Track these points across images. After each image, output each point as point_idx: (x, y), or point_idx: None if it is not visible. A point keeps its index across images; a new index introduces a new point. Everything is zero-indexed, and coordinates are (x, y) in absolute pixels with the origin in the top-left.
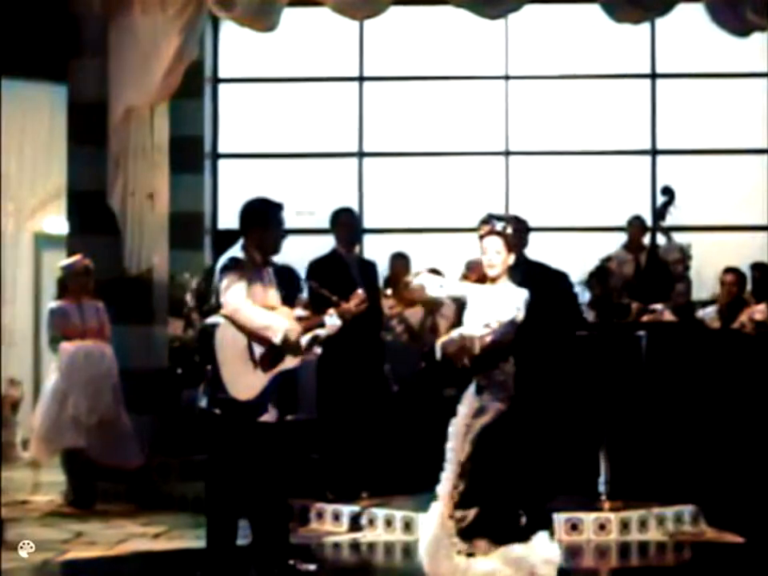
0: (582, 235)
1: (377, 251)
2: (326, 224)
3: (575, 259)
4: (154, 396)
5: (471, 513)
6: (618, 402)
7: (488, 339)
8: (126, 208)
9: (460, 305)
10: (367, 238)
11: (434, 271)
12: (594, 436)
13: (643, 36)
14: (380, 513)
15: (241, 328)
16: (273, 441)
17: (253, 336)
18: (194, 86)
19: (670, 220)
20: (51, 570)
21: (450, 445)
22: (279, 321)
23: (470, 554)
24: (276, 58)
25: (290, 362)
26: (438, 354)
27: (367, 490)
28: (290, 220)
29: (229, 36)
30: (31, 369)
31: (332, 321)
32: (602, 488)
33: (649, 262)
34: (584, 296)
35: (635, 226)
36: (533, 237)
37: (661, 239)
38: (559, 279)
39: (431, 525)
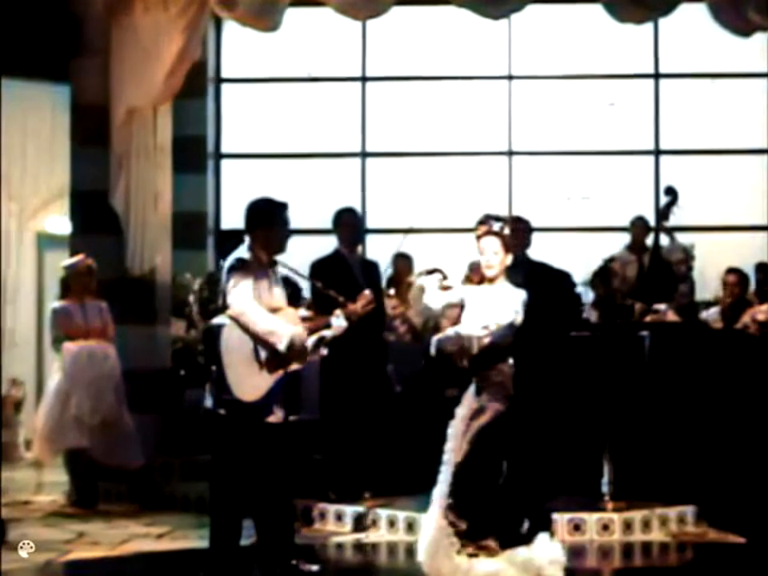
0: (585, 235)
1: (380, 251)
2: (328, 224)
3: (578, 259)
4: (157, 396)
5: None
6: (621, 402)
7: (486, 341)
8: (128, 208)
9: (460, 305)
10: (370, 238)
11: (437, 271)
12: (597, 436)
13: (646, 36)
14: (383, 513)
15: (246, 330)
16: (278, 442)
17: (258, 339)
18: (196, 86)
19: (673, 220)
20: (54, 570)
21: (448, 446)
22: (284, 326)
23: (472, 555)
24: (279, 58)
25: (296, 363)
26: (433, 350)
27: (370, 490)
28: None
29: (231, 36)
30: (34, 369)
31: (338, 322)
32: (605, 488)
33: (652, 263)
34: (587, 296)
35: (638, 226)
36: (536, 237)
37: (664, 239)
38: (561, 279)
39: (430, 525)
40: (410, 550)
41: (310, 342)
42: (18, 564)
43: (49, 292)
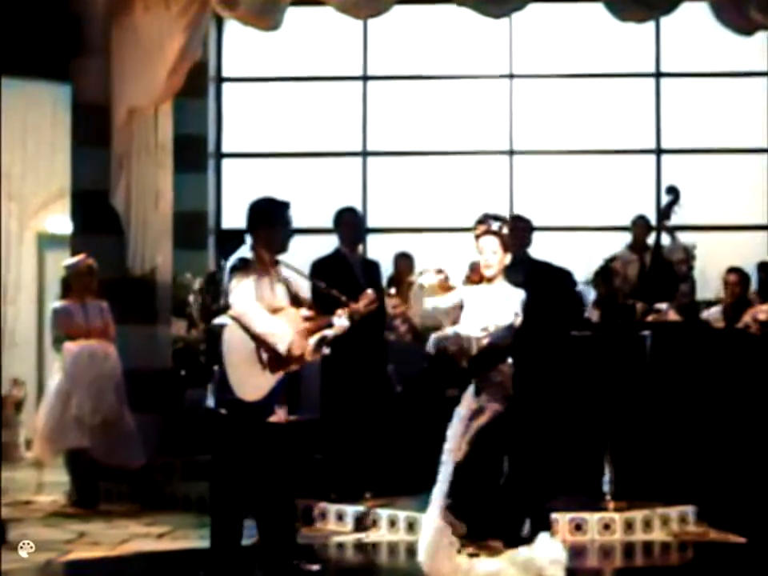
0: (587, 235)
1: (381, 251)
2: (329, 223)
3: (579, 259)
4: (158, 396)
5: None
6: (623, 401)
7: (485, 342)
8: (129, 207)
9: (460, 306)
10: (371, 238)
11: (440, 271)
12: (598, 436)
13: (648, 35)
14: (384, 513)
15: (247, 330)
16: (279, 441)
17: (259, 339)
18: (197, 86)
19: (674, 219)
20: (54, 570)
21: (447, 446)
22: (284, 329)
23: (473, 554)
24: (280, 57)
25: (295, 364)
26: (431, 349)
27: (371, 490)
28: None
29: (232, 35)
30: (34, 369)
31: (341, 321)
32: (606, 488)
33: (653, 262)
34: (588, 296)
35: (639, 225)
36: (537, 236)
37: (665, 239)
38: (562, 278)
39: (430, 525)
40: (411, 550)
41: (313, 341)
42: (18, 564)
43: (50, 292)
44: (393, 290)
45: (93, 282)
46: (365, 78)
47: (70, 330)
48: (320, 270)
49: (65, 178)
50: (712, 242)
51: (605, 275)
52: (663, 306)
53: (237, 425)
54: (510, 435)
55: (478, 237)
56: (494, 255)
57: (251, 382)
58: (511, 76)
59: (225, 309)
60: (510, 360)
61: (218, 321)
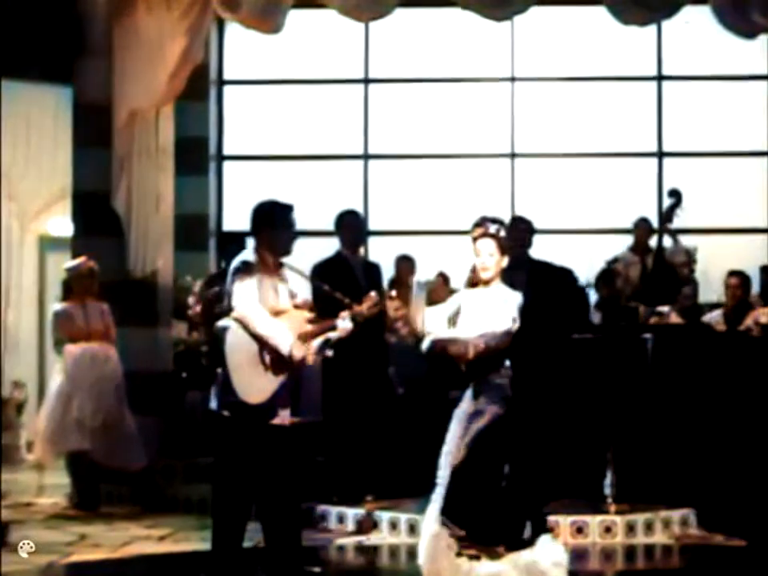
0: (588, 238)
1: (382, 253)
2: (330, 226)
3: (581, 262)
4: (159, 398)
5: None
6: (624, 404)
7: (482, 346)
8: (130, 210)
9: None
10: (372, 240)
11: (443, 275)
12: (600, 438)
13: (650, 38)
14: (385, 515)
15: (250, 332)
16: (283, 444)
17: (261, 342)
18: (198, 88)
19: (676, 222)
20: (55, 572)
21: (446, 449)
22: (286, 332)
23: (473, 557)
24: (281, 60)
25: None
26: (425, 347)
27: (372, 492)
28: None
29: (234, 38)
30: (36, 371)
31: (344, 324)
32: (607, 491)
33: (655, 265)
34: (590, 298)
35: (641, 227)
36: (539, 239)
37: (667, 242)
38: (564, 276)
39: (429, 528)
40: (412, 553)
41: (316, 343)
42: (19, 566)
43: (50, 294)
44: (394, 293)
45: (94, 285)
46: (366, 81)
47: (71, 333)
48: (321, 272)
49: (66, 179)
50: (714, 245)
51: (607, 277)
52: (665, 308)
53: (240, 427)
54: (510, 438)
55: (475, 239)
56: (490, 258)
57: (254, 384)
58: (513, 79)
59: (228, 311)
60: (507, 363)
61: (221, 323)
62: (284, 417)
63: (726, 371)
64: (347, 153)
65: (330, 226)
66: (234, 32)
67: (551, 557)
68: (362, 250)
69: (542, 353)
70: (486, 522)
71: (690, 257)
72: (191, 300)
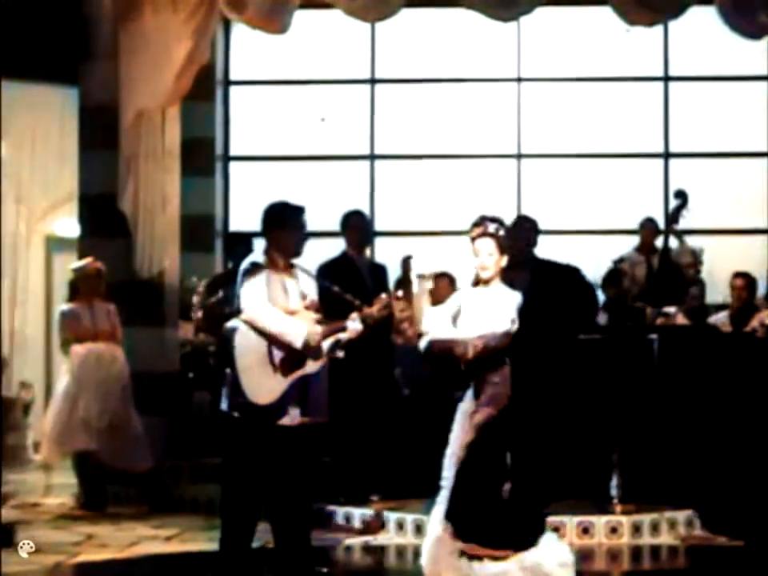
0: (594, 238)
1: (388, 254)
2: (337, 227)
3: (587, 262)
4: (165, 399)
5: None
6: (630, 405)
7: (481, 346)
8: (137, 211)
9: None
10: (378, 241)
11: (444, 275)
12: (606, 439)
13: (656, 39)
14: (392, 516)
15: (261, 333)
16: (292, 444)
17: (273, 341)
18: (205, 89)
19: (682, 223)
20: (63, 572)
21: (449, 451)
22: (299, 325)
23: (478, 558)
24: (287, 60)
25: (310, 367)
26: (422, 347)
27: (379, 493)
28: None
29: (240, 38)
30: (42, 371)
31: (354, 325)
32: (613, 491)
33: (661, 265)
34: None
35: (648, 228)
36: (545, 240)
37: (673, 242)
38: (571, 274)
39: (432, 532)
40: (419, 553)
41: (326, 344)
42: (27, 566)
43: (57, 295)
44: (400, 293)
45: (100, 285)
46: (372, 81)
47: (78, 333)
48: (327, 273)
49: (73, 181)
50: (720, 246)
51: (613, 277)
52: (672, 309)
53: (249, 428)
54: (512, 436)
55: (473, 239)
56: (490, 257)
57: (263, 385)
58: (519, 79)
59: (237, 312)
60: (507, 362)
61: (230, 324)
62: (293, 417)
63: (731, 372)
64: (353, 153)
65: (337, 227)
66: (240, 32)
67: (557, 557)
68: (367, 251)
69: (547, 352)
70: (490, 523)
71: (695, 258)
72: (195, 300)
